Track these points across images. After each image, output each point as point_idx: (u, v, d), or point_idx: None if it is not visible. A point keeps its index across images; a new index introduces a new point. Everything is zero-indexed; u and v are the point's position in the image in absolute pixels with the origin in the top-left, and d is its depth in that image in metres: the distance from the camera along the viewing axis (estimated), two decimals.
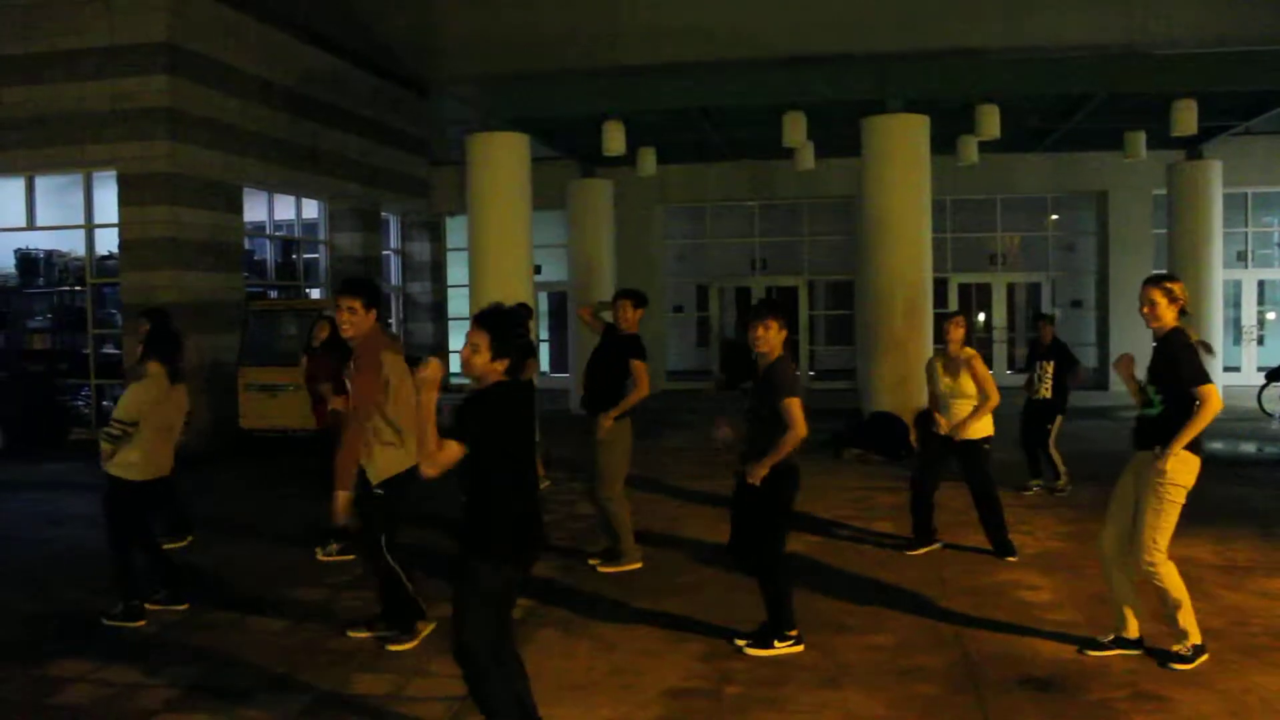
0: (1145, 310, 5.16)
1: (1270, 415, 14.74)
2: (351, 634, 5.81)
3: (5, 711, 4.94)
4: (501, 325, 3.94)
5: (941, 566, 7.22)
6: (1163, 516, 5.05)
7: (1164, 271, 5.48)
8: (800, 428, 5.28)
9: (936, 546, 7.58)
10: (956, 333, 7.46)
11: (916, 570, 7.15)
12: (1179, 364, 5.02)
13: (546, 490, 9.82)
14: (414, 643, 5.61)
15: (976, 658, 5.36)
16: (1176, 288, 5.15)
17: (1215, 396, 4.96)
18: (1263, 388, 15.47)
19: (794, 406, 5.28)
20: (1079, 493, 9.58)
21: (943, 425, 7.44)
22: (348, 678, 5.23)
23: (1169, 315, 5.12)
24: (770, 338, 5.42)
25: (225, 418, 13.32)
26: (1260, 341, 20.40)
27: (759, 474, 5.31)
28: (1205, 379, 4.96)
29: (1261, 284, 20.66)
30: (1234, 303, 20.09)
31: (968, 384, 7.38)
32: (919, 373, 12.79)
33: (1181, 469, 5.01)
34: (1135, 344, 20.55)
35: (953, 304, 20.55)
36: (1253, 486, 9.65)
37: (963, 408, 7.40)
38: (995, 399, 7.37)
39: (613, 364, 7.19)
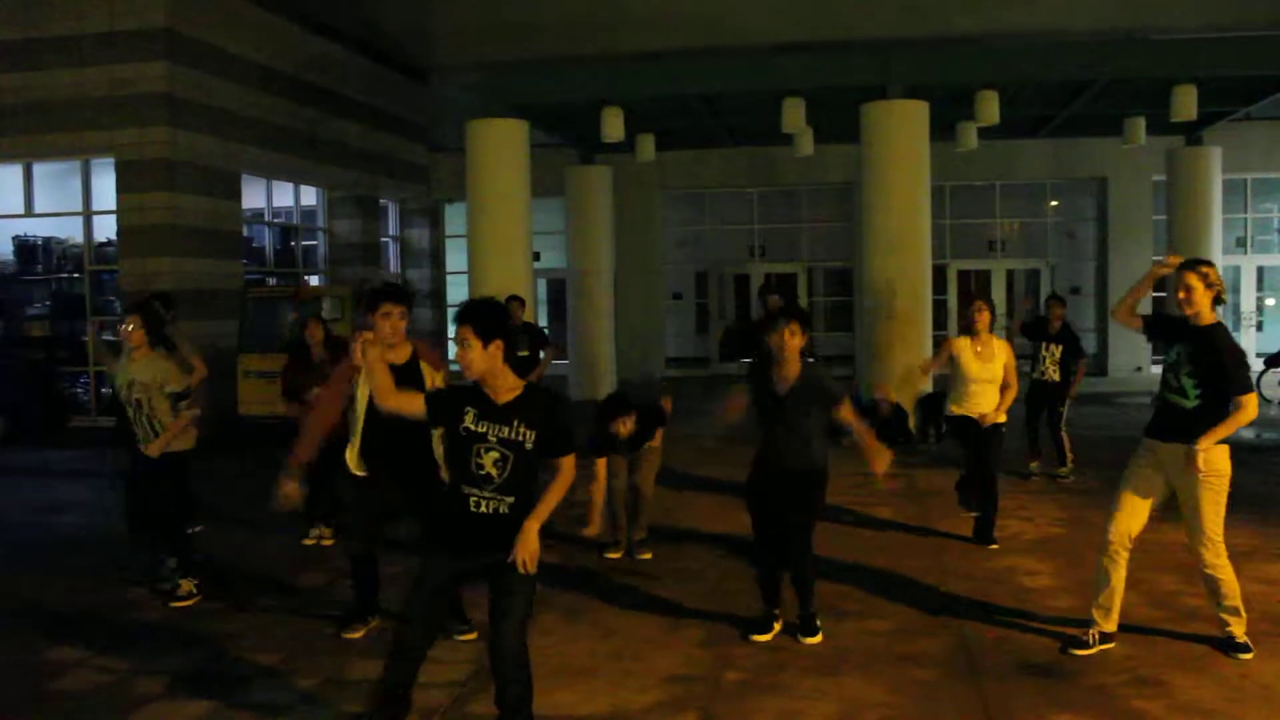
0: (1181, 296, 4.94)
1: (1269, 401, 14.75)
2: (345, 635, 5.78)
3: (6, 697, 4.96)
4: (481, 312, 3.90)
5: (940, 552, 7.23)
6: (1220, 510, 5.00)
7: (1198, 257, 5.28)
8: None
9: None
10: (984, 318, 7.33)
11: (915, 556, 7.16)
12: (1228, 368, 4.86)
13: None
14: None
15: (975, 643, 5.37)
16: (1212, 273, 4.96)
17: (1254, 405, 4.88)
18: (1261, 374, 15.46)
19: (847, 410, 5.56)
20: (1080, 479, 9.61)
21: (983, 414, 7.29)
22: (347, 664, 5.24)
23: (1205, 302, 4.93)
24: (794, 343, 5.41)
25: (224, 404, 13.31)
26: (1260, 327, 20.40)
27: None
28: (1250, 388, 4.88)
29: (1261, 270, 20.65)
30: (1233, 289, 20.08)
31: (998, 369, 7.31)
32: (919, 359, 12.84)
33: (1222, 459, 4.94)
34: (1133, 331, 20.52)
35: (951, 291, 20.54)
36: (1251, 472, 9.64)
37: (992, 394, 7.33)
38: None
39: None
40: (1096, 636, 5.20)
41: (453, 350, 4.11)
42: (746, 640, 5.46)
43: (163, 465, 6.34)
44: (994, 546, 7.29)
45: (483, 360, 3.85)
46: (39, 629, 5.95)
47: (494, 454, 3.87)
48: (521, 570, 3.80)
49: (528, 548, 3.81)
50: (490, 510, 3.89)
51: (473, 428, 3.89)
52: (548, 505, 3.90)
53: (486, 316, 3.88)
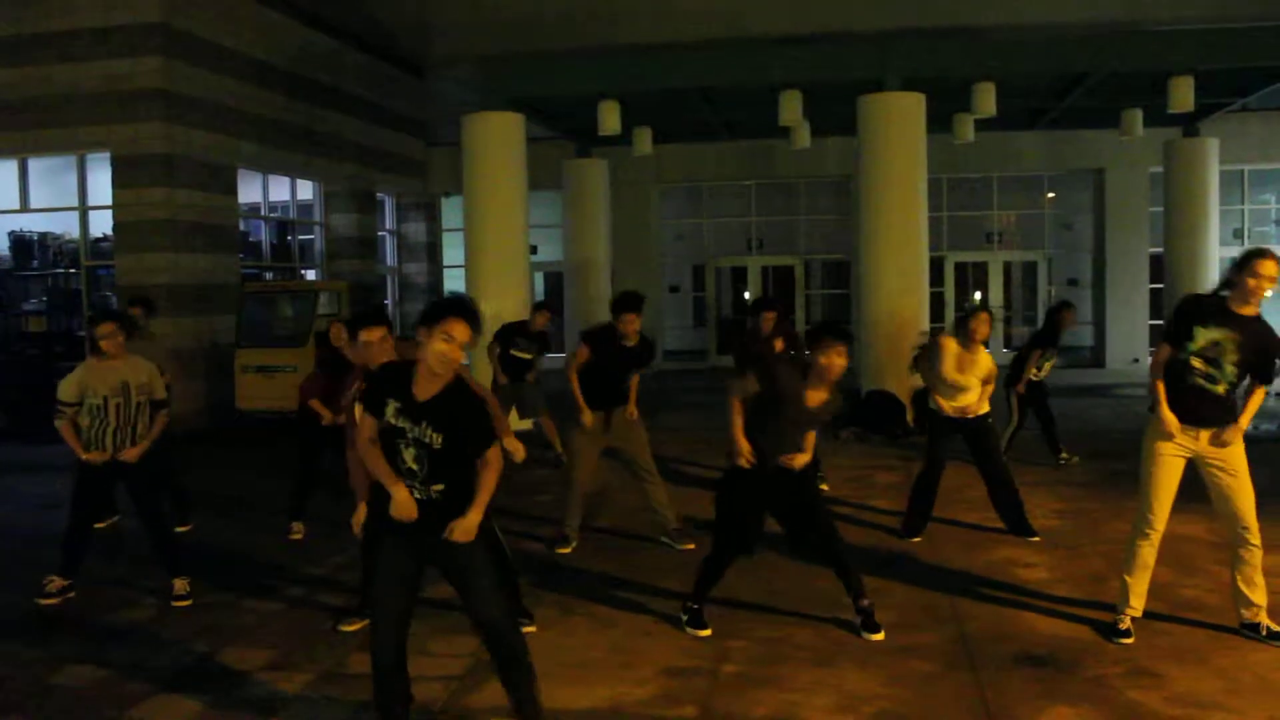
0: (1270, 287, 4.92)
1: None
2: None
3: (6, 692, 4.95)
4: (469, 306, 3.92)
5: (938, 544, 7.24)
6: None
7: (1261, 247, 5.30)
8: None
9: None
10: (985, 330, 7.26)
11: (913, 548, 7.18)
12: (1275, 359, 5.02)
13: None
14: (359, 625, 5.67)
15: (973, 635, 5.38)
16: None
17: None
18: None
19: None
20: (1076, 470, 9.67)
21: (945, 407, 7.27)
22: (345, 658, 5.25)
23: None
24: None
25: (222, 398, 13.32)
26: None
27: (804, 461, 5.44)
28: None
29: None
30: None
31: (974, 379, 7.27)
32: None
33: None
34: (1131, 321, 20.43)
35: (949, 283, 20.54)
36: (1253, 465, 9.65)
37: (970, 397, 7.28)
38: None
39: None
40: (1129, 622, 5.26)
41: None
42: (683, 631, 5.51)
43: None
44: (1036, 539, 7.27)
45: (459, 357, 3.89)
46: (36, 625, 5.95)
47: (411, 450, 3.90)
48: (448, 536, 3.87)
49: (467, 533, 3.91)
50: (428, 499, 3.93)
51: (392, 422, 3.90)
52: (484, 496, 3.97)
53: (473, 310, 3.91)
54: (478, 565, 4.04)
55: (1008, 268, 21.40)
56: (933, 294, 13.45)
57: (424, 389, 3.89)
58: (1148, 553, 5.24)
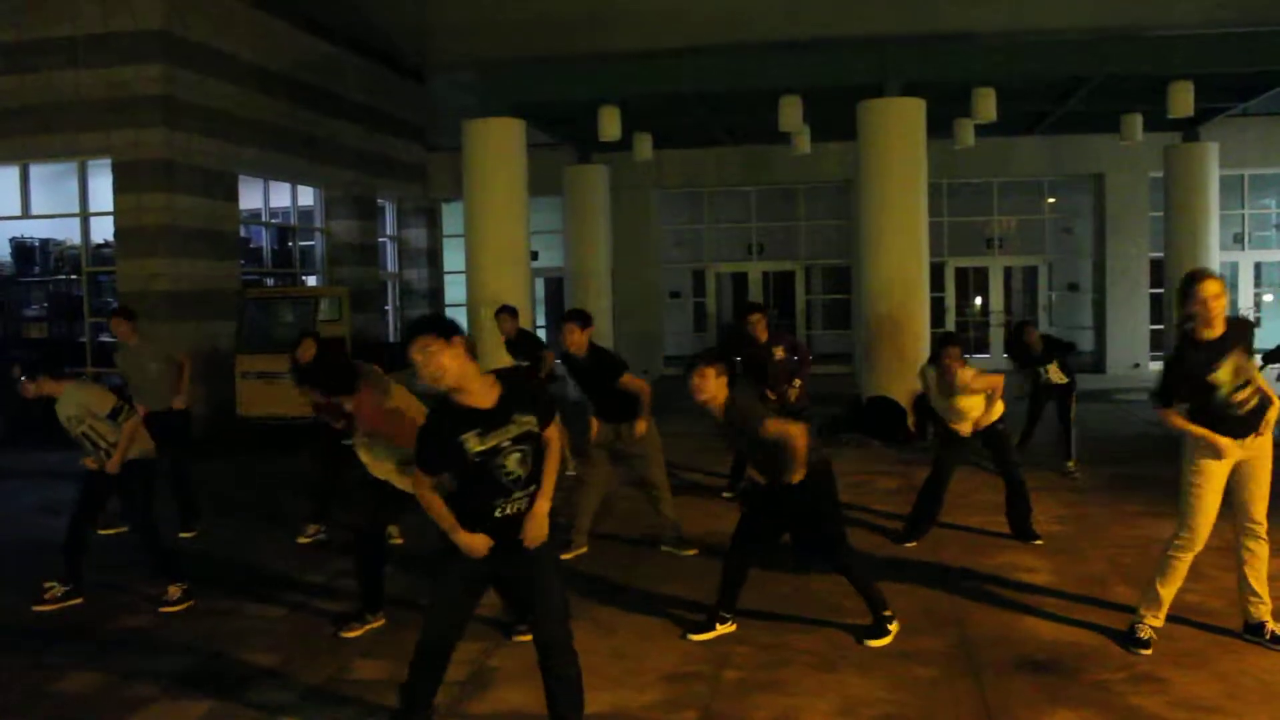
0: (1217, 307, 4.93)
1: None
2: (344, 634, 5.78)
3: (5, 699, 4.95)
4: (433, 318, 3.84)
5: (940, 549, 7.23)
6: None
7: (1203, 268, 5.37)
8: (791, 435, 5.28)
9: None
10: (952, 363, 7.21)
11: (915, 553, 7.18)
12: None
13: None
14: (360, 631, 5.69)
15: (975, 639, 5.38)
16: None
17: None
18: (1259, 369, 15.47)
19: (771, 425, 5.29)
20: (1078, 475, 9.65)
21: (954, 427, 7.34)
22: (347, 664, 5.25)
23: None
24: (709, 386, 5.23)
25: (223, 405, 13.31)
26: (1257, 323, 20.40)
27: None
28: None
29: (1258, 266, 20.63)
30: (1231, 285, 20.01)
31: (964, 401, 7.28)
32: (916, 356, 12.84)
33: None
34: (1131, 326, 20.37)
35: (949, 288, 20.54)
36: None
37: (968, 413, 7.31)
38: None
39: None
40: (1150, 631, 5.23)
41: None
42: (684, 639, 5.51)
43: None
44: (1039, 541, 7.31)
45: (454, 361, 3.71)
46: (37, 631, 5.95)
47: (515, 455, 3.82)
48: (527, 544, 3.84)
49: (541, 527, 3.89)
50: (515, 511, 3.88)
51: (482, 448, 3.77)
52: (550, 482, 3.96)
53: (439, 319, 3.80)
54: (549, 582, 3.96)
55: (1008, 273, 21.39)
56: (933, 299, 13.43)
57: (480, 400, 3.78)
58: (1185, 565, 5.22)
